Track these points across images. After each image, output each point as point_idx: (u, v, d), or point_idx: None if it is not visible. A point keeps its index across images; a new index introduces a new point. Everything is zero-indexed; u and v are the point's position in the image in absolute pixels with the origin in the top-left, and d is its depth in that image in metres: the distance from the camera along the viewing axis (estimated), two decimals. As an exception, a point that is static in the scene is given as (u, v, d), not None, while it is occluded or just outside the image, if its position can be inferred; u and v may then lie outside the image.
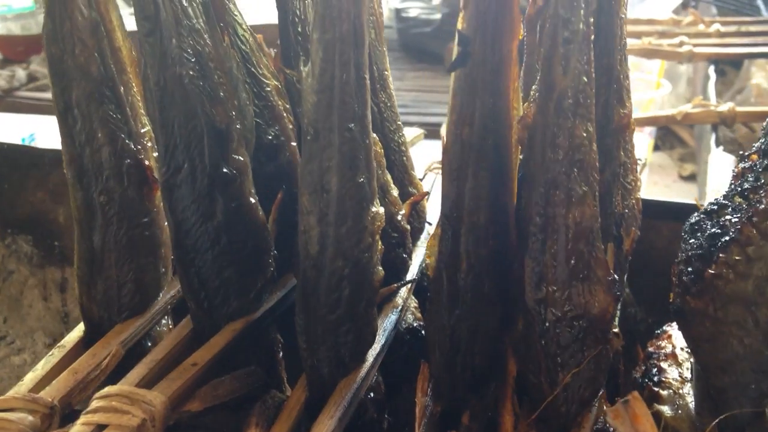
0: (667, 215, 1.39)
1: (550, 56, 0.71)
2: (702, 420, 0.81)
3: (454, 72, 0.74)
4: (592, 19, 0.73)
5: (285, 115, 1.05)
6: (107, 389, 0.81)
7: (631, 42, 2.80)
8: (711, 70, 2.47)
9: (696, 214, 0.95)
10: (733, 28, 2.77)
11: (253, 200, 0.95)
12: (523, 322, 0.79)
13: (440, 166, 1.41)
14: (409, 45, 5.39)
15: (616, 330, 0.83)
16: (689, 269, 0.87)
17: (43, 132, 2.72)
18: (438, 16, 5.70)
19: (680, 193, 3.06)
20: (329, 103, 0.78)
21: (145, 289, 1.00)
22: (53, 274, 1.88)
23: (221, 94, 0.90)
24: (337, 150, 0.80)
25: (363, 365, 0.90)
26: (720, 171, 1.57)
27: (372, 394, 0.93)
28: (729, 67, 3.12)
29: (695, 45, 2.54)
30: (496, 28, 0.74)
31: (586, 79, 0.73)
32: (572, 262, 0.75)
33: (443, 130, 1.02)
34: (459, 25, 0.73)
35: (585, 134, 0.74)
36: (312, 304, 0.84)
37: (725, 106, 1.97)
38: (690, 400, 0.89)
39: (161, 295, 1.03)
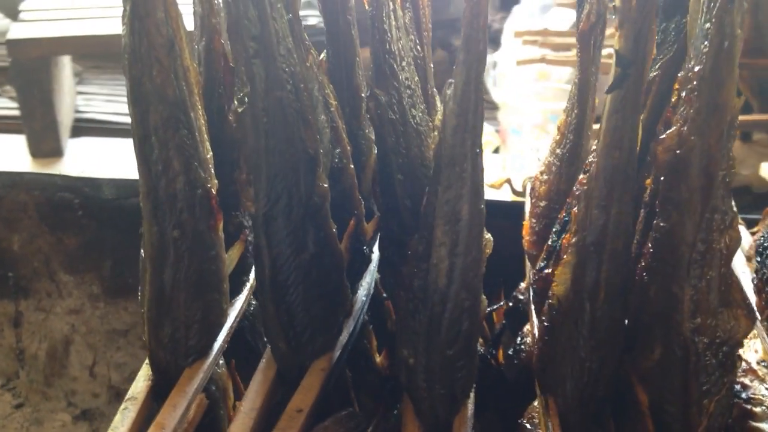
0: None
1: (719, 76, 0.69)
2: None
3: (610, 94, 0.72)
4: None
5: (344, 136, 0.99)
6: (225, 447, 0.73)
7: (564, 54, 2.87)
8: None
9: (773, 230, 0.96)
10: (656, 40, 2.87)
11: (334, 229, 0.89)
12: (663, 351, 0.77)
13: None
14: (310, 54, 5.27)
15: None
16: (788, 287, 0.88)
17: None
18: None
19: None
20: (465, 127, 0.74)
21: (210, 328, 0.92)
22: (6, 307, 1.72)
23: (309, 117, 0.84)
24: (470, 177, 0.75)
25: (469, 401, 0.86)
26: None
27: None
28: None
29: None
30: (647, 48, 0.71)
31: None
32: (722, 288, 0.74)
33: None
34: (617, 46, 0.71)
35: (732, 154, 0.72)
36: (435, 341, 0.79)
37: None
38: (790, 416, 0.89)
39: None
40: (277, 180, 0.81)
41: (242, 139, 0.81)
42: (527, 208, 1.29)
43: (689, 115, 0.72)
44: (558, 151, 1.11)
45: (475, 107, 0.74)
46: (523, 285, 1.18)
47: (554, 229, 1.01)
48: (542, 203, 1.12)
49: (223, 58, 0.97)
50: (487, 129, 3.81)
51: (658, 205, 0.77)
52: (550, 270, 0.99)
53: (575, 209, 0.79)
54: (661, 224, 0.76)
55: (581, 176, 0.83)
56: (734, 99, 0.69)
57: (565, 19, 4.11)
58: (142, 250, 0.90)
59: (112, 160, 3.72)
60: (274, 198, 0.81)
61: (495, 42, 5.37)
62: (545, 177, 1.13)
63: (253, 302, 1.08)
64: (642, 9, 0.70)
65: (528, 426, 0.88)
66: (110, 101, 4.57)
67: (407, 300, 0.82)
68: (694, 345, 0.74)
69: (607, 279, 0.76)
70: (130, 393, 0.87)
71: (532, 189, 1.16)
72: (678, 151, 0.72)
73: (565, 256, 0.79)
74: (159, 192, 0.84)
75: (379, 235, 1.07)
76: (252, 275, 1.06)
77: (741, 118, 0.87)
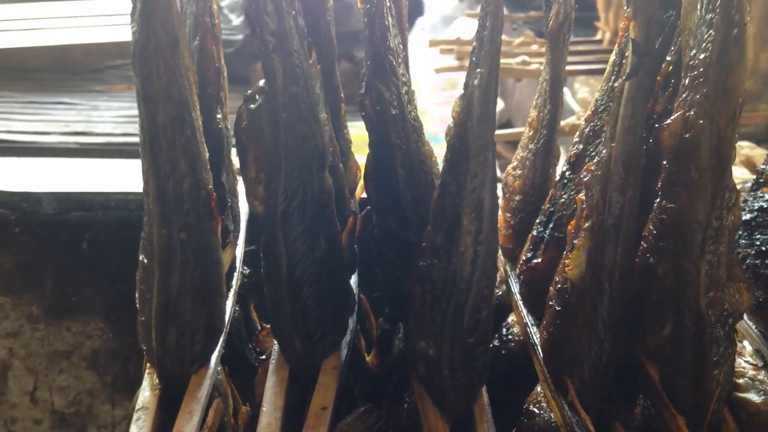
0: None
1: (728, 61, 0.73)
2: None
3: (627, 82, 0.75)
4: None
5: (333, 135, 0.99)
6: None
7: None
8: (562, 85, 2.65)
9: (743, 212, 1.02)
10: (564, 48, 2.98)
11: (338, 225, 0.89)
12: (675, 327, 0.80)
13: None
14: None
15: (733, 325, 0.87)
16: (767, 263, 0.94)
17: None
18: (240, 36, 5.59)
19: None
20: (487, 117, 0.76)
21: (213, 333, 0.90)
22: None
23: (317, 114, 0.84)
24: (490, 166, 0.77)
25: (483, 387, 0.87)
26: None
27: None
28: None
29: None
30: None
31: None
32: (728, 263, 0.78)
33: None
34: (632, 35, 0.74)
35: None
36: (457, 329, 0.80)
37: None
38: (773, 385, 0.94)
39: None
40: (294, 176, 0.80)
41: (256, 135, 0.80)
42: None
43: (695, 101, 0.76)
44: (531, 146, 1.14)
45: (494, 98, 0.76)
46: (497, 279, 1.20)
47: (538, 220, 1.04)
48: (517, 197, 1.15)
49: (213, 58, 0.95)
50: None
51: (663, 188, 0.80)
52: (539, 260, 1.02)
53: (581, 195, 0.82)
54: (669, 205, 0.79)
55: (587, 164, 0.86)
56: (744, 82, 0.73)
57: (472, 28, 4.22)
58: (142, 256, 0.87)
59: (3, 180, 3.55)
60: (291, 194, 0.81)
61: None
62: (519, 172, 1.16)
63: (237, 308, 1.07)
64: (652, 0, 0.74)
65: (536, 410, 0.90)
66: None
67: (424, 292, 0.82)
68: (708, 318, 0.78)
69: (621, 260, 0.79)
70: (139, 403, 0.84)
71: (505, 184, 1.19)
72: (686, 135, 0.76)
73: (576, 241, 0.82)
74: (167, 194, 0.82)
75: (360, 233, 1.08)
76: (234, 281, 1.05)
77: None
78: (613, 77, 0.96)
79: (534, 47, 3.04)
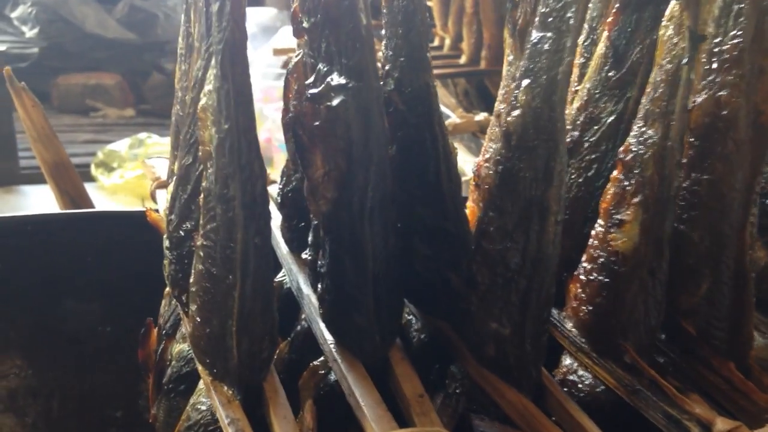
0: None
1: (764, 44, 0.83)
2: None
3: (685, 66, 0.83)
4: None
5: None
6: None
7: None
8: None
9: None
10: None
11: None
12: (711, 285, 0.90)
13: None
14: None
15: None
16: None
17: None
18: (35, 49, 5.24)
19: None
20: (565, 101, 0.81)
21: (273, 341, 0.88)
22: None
23: (382, 108, 0.86)
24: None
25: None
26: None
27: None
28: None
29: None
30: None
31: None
32: (754, 224, 0.90)
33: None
34: (686, 23, 0.82)
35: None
36: (537, 306, 0.85)
37: (481, 116, 2.24)
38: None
39: (268, 346, 0.91)
40: (377, 170, 0.81)
41: (338, 132, 0.79)
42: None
43: (727, 81, 0.86)
44: (504, 137, 1.20)
45: (562, 86, 0.82)
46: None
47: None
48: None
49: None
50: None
51: (693, 162, 0.90)
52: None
53: (616, 174, 0.89)
54: (705, 177, 0.89)
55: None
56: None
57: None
58: (205, 266, 0.84)
59: None
60: (375, 188, 0.81)
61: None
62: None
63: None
64: (698, -8, 0.83)
65: (575, 378, 0.96)
66: None
67: (495, 275, 0.86)
68: (750, 273, 0.89)
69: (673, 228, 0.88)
70: (226, 416, 0.81)
71: (477, 175, 1.24)
72: (724, 113, 0.86)
73: (625, 216, 0.89)
74: (246, 197, 0.80)
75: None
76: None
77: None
78: (606, 68, 1.04)
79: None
